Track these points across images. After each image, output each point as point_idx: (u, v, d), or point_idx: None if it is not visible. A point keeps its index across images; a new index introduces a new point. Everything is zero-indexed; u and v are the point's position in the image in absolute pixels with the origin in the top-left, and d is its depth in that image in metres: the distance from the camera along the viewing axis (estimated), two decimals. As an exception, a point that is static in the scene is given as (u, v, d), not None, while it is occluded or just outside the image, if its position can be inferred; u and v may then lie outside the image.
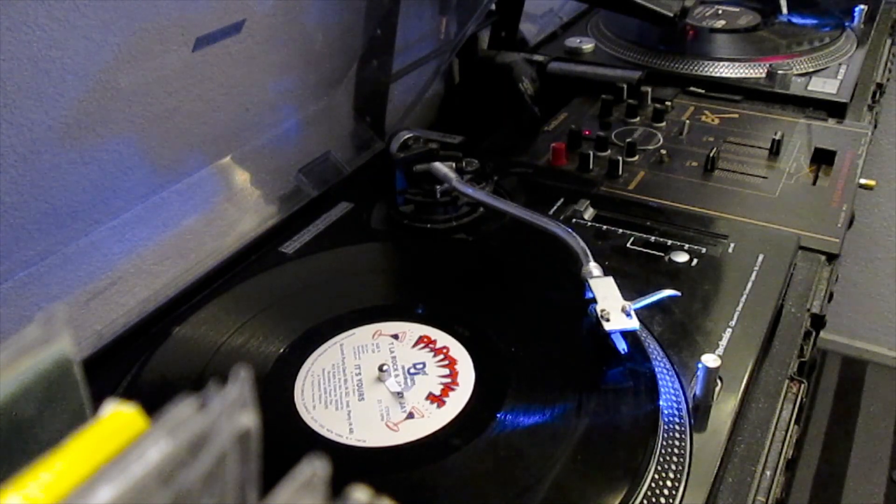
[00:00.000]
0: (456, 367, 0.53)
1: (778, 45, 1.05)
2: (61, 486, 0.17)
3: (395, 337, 0.56)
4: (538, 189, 0.78)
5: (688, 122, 0.91)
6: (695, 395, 0.52)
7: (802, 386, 0.57)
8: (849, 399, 1.71)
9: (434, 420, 0.49)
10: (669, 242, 0.68)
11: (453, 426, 0.49)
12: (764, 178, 0.80)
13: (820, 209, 0.75)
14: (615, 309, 0.55)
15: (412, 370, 0.53)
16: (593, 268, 0.59)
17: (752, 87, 0.98)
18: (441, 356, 0.54)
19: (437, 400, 0.51)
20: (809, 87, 0.98)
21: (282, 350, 0.55)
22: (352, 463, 0.46)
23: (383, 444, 0.47)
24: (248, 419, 0.18)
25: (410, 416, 0.49)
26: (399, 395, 0.51)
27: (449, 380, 0.52)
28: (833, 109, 0.94)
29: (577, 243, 0.61)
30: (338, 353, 0.55)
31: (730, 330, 0.58)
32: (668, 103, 0.94)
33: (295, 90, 0.78)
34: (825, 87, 0.97)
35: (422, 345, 0.55)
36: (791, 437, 0.54)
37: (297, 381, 0.52)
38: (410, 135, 0.76)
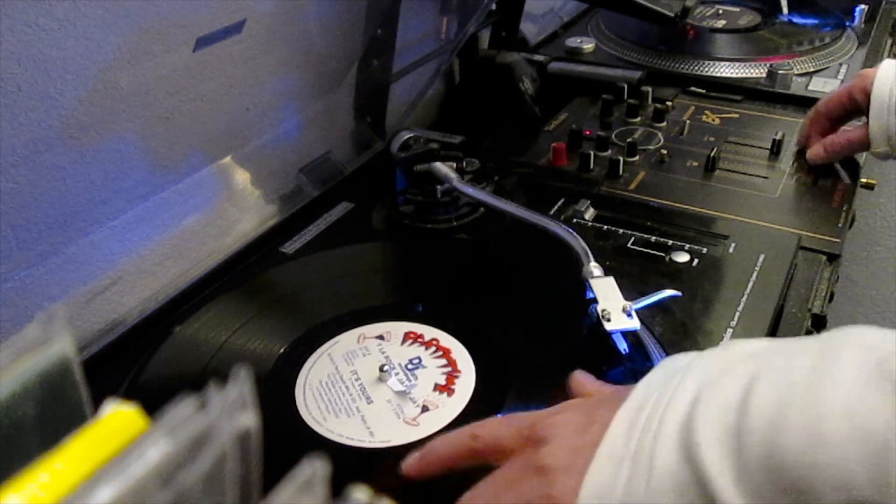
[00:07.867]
0: (451, 355, 0.54)
1: (778, 45, 1.05)
2: (61, 486, 0.17)
3: (381, 338, 0.57)
4: (539, 189, 0.78)
5: (688, 122, 0.91)
6: (695, 395, 0.52)
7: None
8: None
9: (449, 408, 0.50)
10: (670, 242, 0.67)
11: (469, 410, 0.50)
12: (765, 178, 0.80)
13: (821, 209, 0.74)
14: (616, 309, 0.55)
15: (409, 366, 0.53)
16: (594, 268, 0.59)
17: (752, 87, 0.98)
18: (433, 348, 0.55)
19: (446, 389, 0.51)
20: (810, 87, 0.97)
21: (283, 350, 0.55)
22: (386, 464, 0.46)
23: (408, 440, 0.48)
24: (248, 419, 0.18)
25: (425, 409, 0.50)
26: (407, 391, 0.51)
27: (449, 368, 0.53)
28: (834, 109, 0.94)
29: (578, 243, 0.61)
30: (328, 362, 0.55)
31: (731, 330, 0.58)
32: (668, 103, 0.94)
33: (295, 90, 0.78)
34: (826, 87, 0.97)
35: (410, 340, 0.56)
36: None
37: (297, 391, 0.52)
38: (411, 135, 0.76)
